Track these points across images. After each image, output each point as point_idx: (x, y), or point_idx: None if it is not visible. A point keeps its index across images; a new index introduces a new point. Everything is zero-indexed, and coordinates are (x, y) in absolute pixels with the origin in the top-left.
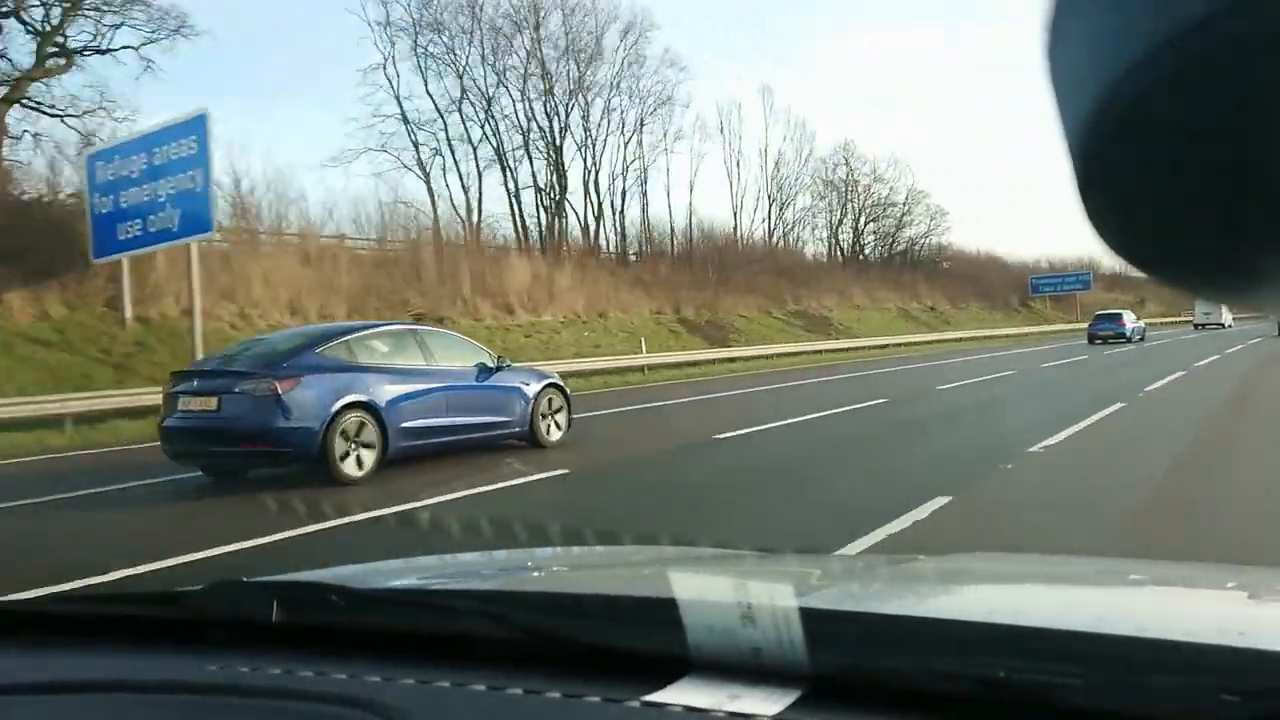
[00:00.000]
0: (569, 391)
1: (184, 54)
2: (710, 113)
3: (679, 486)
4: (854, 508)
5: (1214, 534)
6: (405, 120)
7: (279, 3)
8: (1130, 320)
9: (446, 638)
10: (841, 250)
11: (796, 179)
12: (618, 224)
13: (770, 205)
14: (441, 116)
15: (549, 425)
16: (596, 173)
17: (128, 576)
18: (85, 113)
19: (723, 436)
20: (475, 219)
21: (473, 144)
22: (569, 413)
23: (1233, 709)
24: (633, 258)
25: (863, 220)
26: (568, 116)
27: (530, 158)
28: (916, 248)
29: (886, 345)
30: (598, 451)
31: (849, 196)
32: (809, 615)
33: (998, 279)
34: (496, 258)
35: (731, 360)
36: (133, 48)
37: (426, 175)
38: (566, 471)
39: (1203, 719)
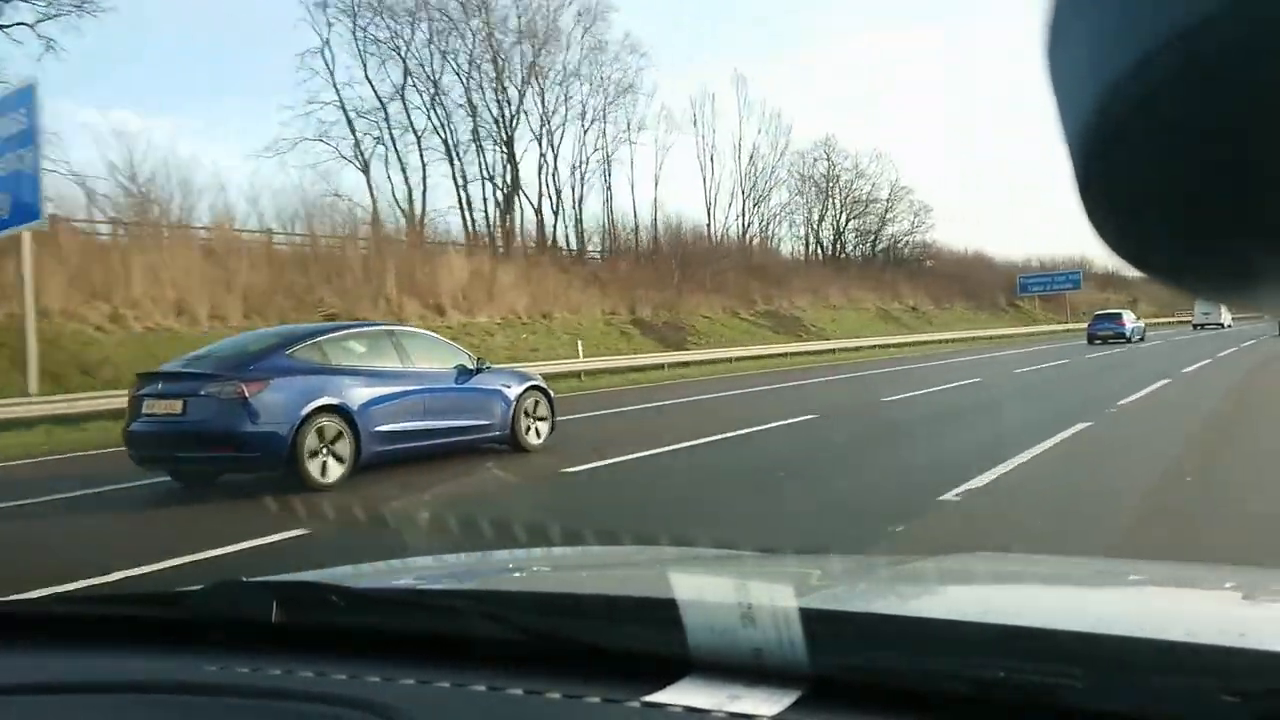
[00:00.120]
0: (553, 394)
1: (121, 39)
2: (680, 104)
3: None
4: None
5: None
6: (343, 108)
7: None
8: (1130, 320)
9: (446, 638)
10: (821, 248)
11: (772, 173)
12: (576, 219)
13: (744, 201)
14: (382, 104)
15: (531, 429)
16: (555, 164)
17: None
18: None
19: (569, 470)
20: (420, 213)
21: (417, 134)
22: (553, 416)
23: (1233, 710)
24: (594, 255)
25: (843, 217)
26: (521, 103)
27: (480, 148)
28: (900, 245)
29: (860, 347)
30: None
31: (830, 192)
32: (809, 615)
33: (985, 278)
34: (431, 254)
35: (685, 364)
36: (27, 25)
37: (366, 166)
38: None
39: None
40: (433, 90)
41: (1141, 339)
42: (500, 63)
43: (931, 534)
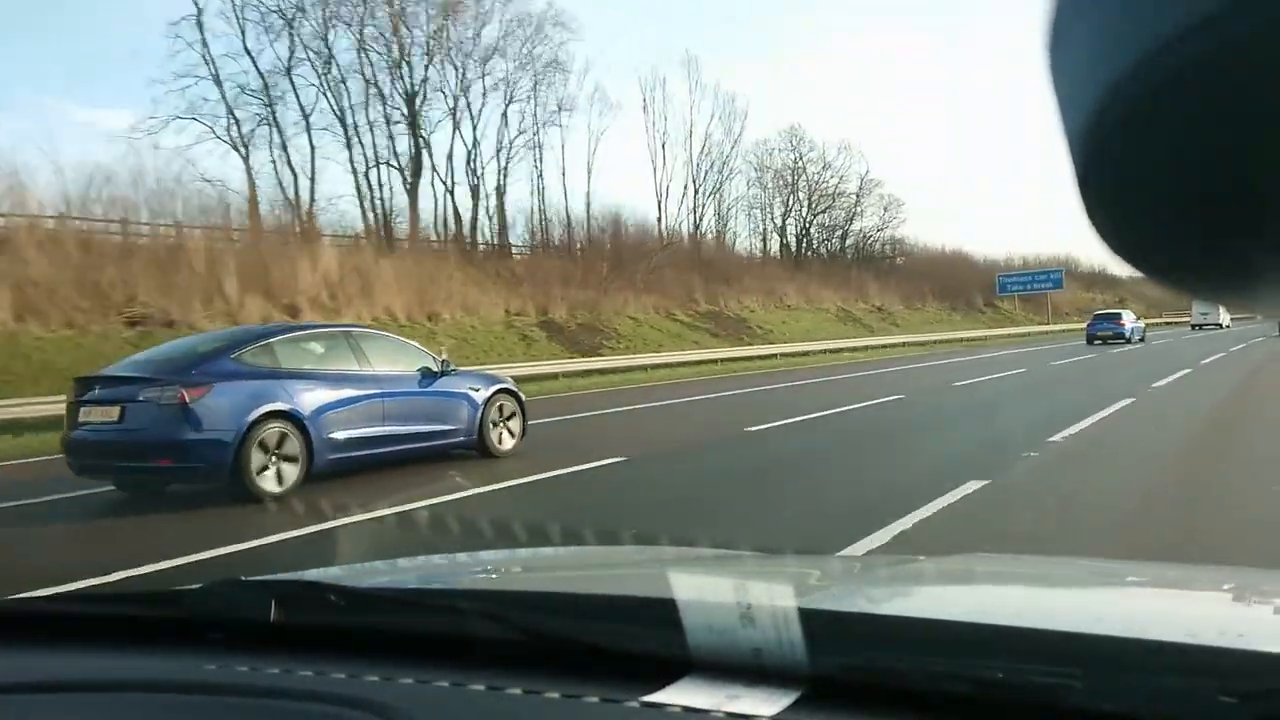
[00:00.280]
0: (524, 398)
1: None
2: (629, 89)
3: None
4: None
5: None
6: (216, 80)
7: None
8: (1130, 320)
9: (445, 637)
10: (786, 244)
11: (726, 163)
12: (497, 208)
13: (696, 192)
14: (263, 78)
15: (500, 434)
16: (476, 149)
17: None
18: None
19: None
20: (309, 201)
21: (305, 112)
22: (524, 420)
23: (1232, 710)
24: (520, 249)
25: (807, 211)
26: (426, 78)
27: (373, 127)
28: (870, 242)
29: (808, 352)
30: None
31: (795, 185)
32: (808, 616)
33: (963, 277)
34: (292, 247)
35: (587, 374)
36: None
37: (245, 146)
38: None
39: None
40: (326, 63)
41: (1142, 339)
42: (403, 32)
43: None
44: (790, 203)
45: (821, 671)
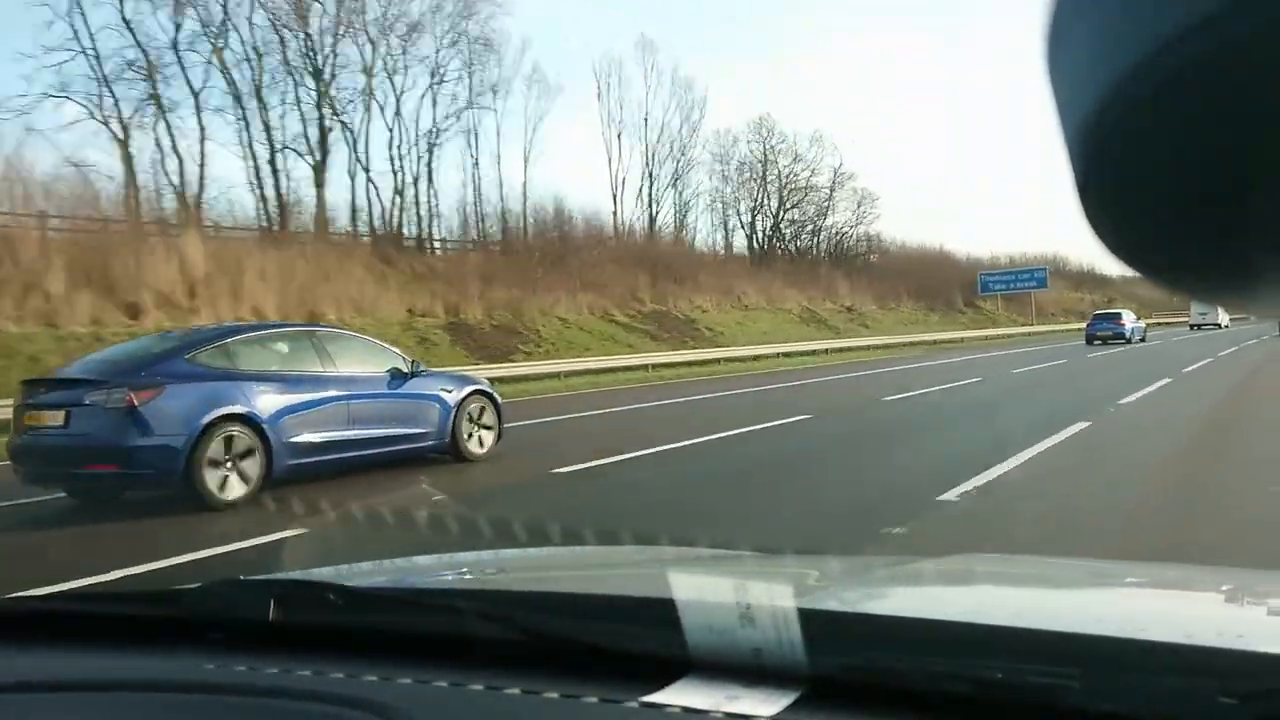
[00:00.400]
0: (499, 399)
1: None
2: (581, 72)
3: None
4: None
5: None
6: (86, 54)
7: None
8: (1130, 320)
9: (445, 637)
10: (754, 240)
11: (685, 151)
12: (415, 200)
13: (652, 184)
14: (144, 52)
15: (475, 437)
16: (399, 134)
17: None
18: None
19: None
20: (197, 188)
21: (194, 90)
22: (500, 422)
23: (1231, 711)
24: (450, 242)
25: (777, 206)
26: (335, 52)
27: (266, 109)
28: (844, 238)
29: (760, 356)
30: None
31: (764, 179)
32: (808, 616)
33: (943, 275)
34: (151, 240)
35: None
36: None
37: (124, 128)
38: None
39: None
40: (219, 36)
41: (1143, 339)
42: (309, 2)
43: None
44: (759, 197)
45: (821, 672)
